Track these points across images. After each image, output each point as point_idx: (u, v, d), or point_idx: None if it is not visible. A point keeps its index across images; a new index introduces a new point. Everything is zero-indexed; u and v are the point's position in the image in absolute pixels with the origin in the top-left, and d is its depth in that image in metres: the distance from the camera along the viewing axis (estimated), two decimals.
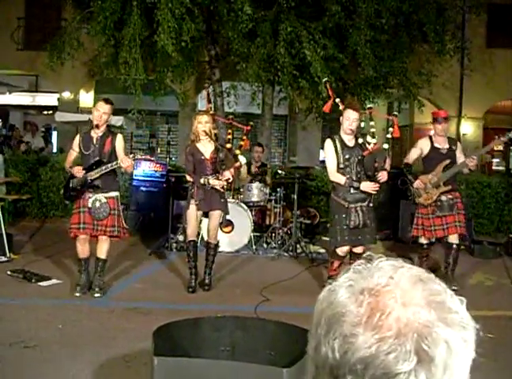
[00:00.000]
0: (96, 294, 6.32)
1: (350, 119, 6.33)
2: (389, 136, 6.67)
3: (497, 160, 18.56)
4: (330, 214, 6.68)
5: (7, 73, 17.71)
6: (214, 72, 13.32)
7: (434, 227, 7.03)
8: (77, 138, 6.54)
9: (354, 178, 6.34)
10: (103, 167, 6.22)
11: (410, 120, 19.39)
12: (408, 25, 12.84)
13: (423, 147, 7.24)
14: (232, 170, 6.70)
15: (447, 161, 7.04)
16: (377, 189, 6.37)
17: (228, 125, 7.44)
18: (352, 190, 6.32)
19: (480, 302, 6.12)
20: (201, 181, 6.57)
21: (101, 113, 6.34)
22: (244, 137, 7.34)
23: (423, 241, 7.26)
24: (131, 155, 6.36)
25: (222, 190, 6.69)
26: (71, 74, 16.41)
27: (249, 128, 7.40)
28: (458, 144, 7.35)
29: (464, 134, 17.98)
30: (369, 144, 6.37)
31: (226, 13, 11.36)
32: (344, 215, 6.32)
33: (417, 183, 7.08)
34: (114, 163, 6.23)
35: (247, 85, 12.66)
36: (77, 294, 6.31)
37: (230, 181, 6.74)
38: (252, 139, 13.63)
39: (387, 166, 6.59)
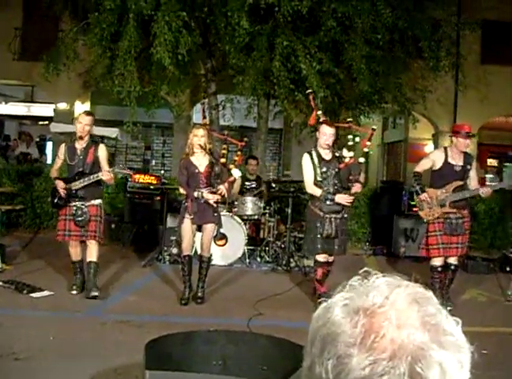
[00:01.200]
0: (94, 293, 6.58)
1: (327, 134, 6.57)
2: (366, 150, 6.80)
3: (491, 176, 18.61)
4: (306, 222, 6.89)
5: (3, 83, 17.72)
6: (210, 85, 13.36)
7: (442, 246, 6.77)
8: (63, 147, 7.01)
9: (331, 190, 6.57)
10: (86, 179, 6.66)
11: (405, 135, 19.46)
12: (403, 41, 12.91)
13: (435, 159, 6.95)
14: (226, 184, 6.72)
15: (460, 182, 6.79)
16: (351, 201, 6.62)
17: (224, 140, 7.44)
18: (328, 202, 6.54)
19: (473, 318, 6.11)
20: (195, 194, 6.58)
21: (83, 124, 6.79)
22: (238, 153, 7.36)
23: (436, 263, 6.88)
24: (111, 169, 6.75)
25: (215, 204, 6.69)
26: (67, 85, 16.41)
27: (243, 144, 7.42)
28: (474, 162, 7.05)
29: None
30: (345, 157, 6.55)
31: (223, 27, 11.41)
32: (318, 225, 6.55)
33: (424, 196, 6.84)
34: (96, 175, 6.64)
35: (243, 98, 12.70)
36: (74, 292, 6.81)
37: (224, 195, 6.75)
38: (247, 152, 13.66)
39: (361, 179, 6.81)
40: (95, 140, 7.32)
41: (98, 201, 6.87)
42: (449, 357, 0.83)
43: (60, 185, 6.75)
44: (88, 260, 6.77)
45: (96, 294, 6.58)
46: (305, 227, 6.92)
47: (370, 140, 6.81)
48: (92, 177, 6.64)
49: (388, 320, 0.83)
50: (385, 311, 0.85)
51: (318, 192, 6.56)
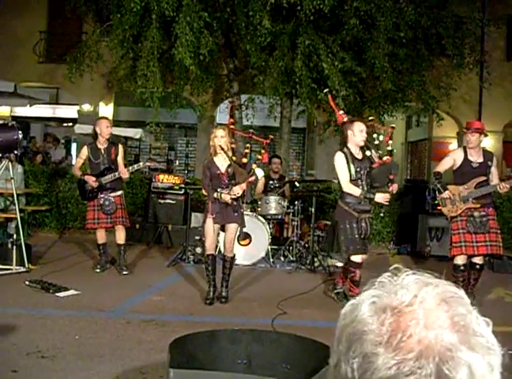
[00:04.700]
0: (124, 272, 7.89)
1: (363, 131, 6.49)
2: (389, 148, 6.72)
3: None
4: (338, 223, 6.66)
5: (28, 86, 17.93)
6: (232, 85, 13.39)
7: (465, 243, 6.70)
8: (85, 148, 8.08)
9: (365, 189, 6.47)
10: (111, 175, 7.83)
11: (429, 133, 19.31)
12: (426, 39, 12.82)
13: (456, 158, 6.94)
14: (244, 185, 6.64)
15: (482, 178, 6.76)
16: (389, 199, 6.57)
17: (248, 138, 7.40)
18: (362, 202, 6.44)
19: (500, 317, 6.02)
20: (215, 195, 6.58)
21: (110, 129, 8.03)
22: (263, 150, 7.34)
23: (458, 262, 6.80)
24: (129, 168, 8.04)
25: (235, 203, 6.65)
26: (91, 87, 16.58)
27: (268, 141, 7.39)
28: (494, 158, 7.01)
29: (483, 148, 17.83)
30: (376, 157, 6.49)
31: (245, 27, 11.43)
32: (354, 225, 6.44)
33: (445, 194, 6.83)
34: (117, 173, 7.86)
35: (266, 98, 12.70)
36: (97, 271, 7.97)
37: (239, 195, 6.65)
38: (270, 152, 13.64)
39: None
40: (112, 141, 8.25)
41: (120, 192, 8.06)
42: (478, 359, 0.81)
43: (92, 179, 7.80)
44: (118, 242, 8.02)
45: (126, 272, 7.88)
46: (336, 226, 6.73)
47: (391, 138, 6.79)
48: (115, 174, 7.82)
49: (416, 319, 0.82)
50: (413, 310, 0.83)
51: (357, 191, 6.42)
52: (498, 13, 14.47)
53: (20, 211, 8.13)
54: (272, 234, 9.34)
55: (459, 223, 6.79)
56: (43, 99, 12.55)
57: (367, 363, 0.81)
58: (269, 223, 9.30)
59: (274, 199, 9.40)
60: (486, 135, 7.16)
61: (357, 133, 6.48)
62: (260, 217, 9.13)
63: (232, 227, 6.75)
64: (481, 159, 6.86)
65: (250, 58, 11.98)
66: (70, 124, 18.94)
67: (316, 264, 8.81)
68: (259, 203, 9.45)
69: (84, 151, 8.03)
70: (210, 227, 6.65)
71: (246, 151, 7.21)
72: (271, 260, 9.10)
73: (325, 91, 7.77)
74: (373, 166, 6.50)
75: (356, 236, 6.44)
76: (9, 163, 7.92)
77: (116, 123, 17.43)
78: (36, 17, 17.88)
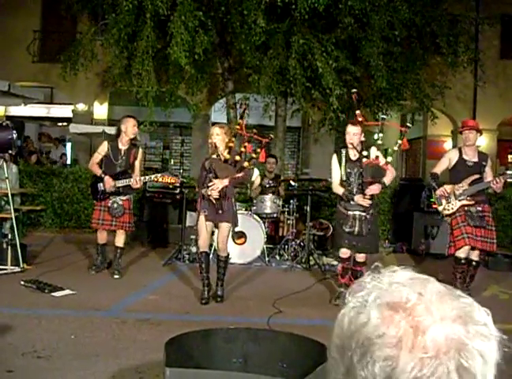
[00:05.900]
0: (116, 276, 7.68)
1: (350, 134, 6.53)
2: (396, 148, 6.73)
3: (511, 172, 18.38)
4: (335, 221, 7.00)
5: (22, 85, 17.88)
6: (227, 84, 13.39)
7: (467, 235, 6.75)
8: (105, 145, 7.80)
9: (355, 191, 6.56)
10: (126, 181, 7.55)
11: (423, 132, 19.33)
12: (421, 37, 12.85)
13: (451, 157, 7.10)
14: (226, 180, 6.51)
15: (476, 175, 6.85)
16: (369, 202, 6.48)
17: (249, 138, 7.29)
18: (351, 201, 6.58)
19: (495, 315, 6.00)
20: (202, 191, 6.58)
21: (136, 128, 7.83)
22: (258, 150, 7.28)
23: (460, 254, 6.85)
24: (142, 178, 7.72)
25: (215, 197, 6.48)
26: (85, 86, 16.56)
27: (267, 140, 7.37)
28: (489, 159, 7.11)
29: (477, 146, 17.84)
30: (367, 157, 6.44)
31: (239, 26, 11.42)
32: (342, 221, 6.63)
33: (440, 190, 6.94)
34: (128, 180, 7.58)
35: (260, 97, 12.71)
36: (93, 273, 7.84)
37: (218, 189, 6.56)
38: (265, 151, 13.62)
39: (388, 179, 6.63)
40: (134, 144, 8.02)
41: (130, 196, 7.84)
42: (486, 346, 0.83)
43: (110, 183, 7.54)
44: (116, 245, 7.85)
45: (118, 277, 7.67)
46: (334, 226, 7.03)
47: (402, 138, 6.71)
48: (130, 180, 7.55)
49: (427, 316, 0.83)
50: (423, 308, 0.84)
51: (340, 191, 6.61)
52: (492, 12, 14.52)
53: (15, 210, 8.10)
54: (267, 232, 9.35)
55: (458, 218, 6.88)
56: (38, 98, 12.53)
57: (388, 366, 0.81)
58: (264, 222, 9.32)
59: (269, 198, 9.42)
60: (481, 133, 7.26)
61: (346, 135, 6.60)
62: (255, 216, 9.14)
63: (224, 226, 6.72)
64: (476, 159, 6.98)
65: (244, 57, 11.99)
66: (65, 123, 18.89)
67: (311, 263, 8.83)
68: (254, 202, 9.46)
69: (104, 147, 7.78)
70: (203, 224, 6.64)
71: (242, 149, 7.17)
72: (266, 258, 9.11)
73: (352, 90, 7.60)
74: (361, 166, 6.52)
75: (342, 230, 6.59)
76: (4, 163, 7.91)
77: (110, 122, 17.45)
78: (30, 16, 17.84)
